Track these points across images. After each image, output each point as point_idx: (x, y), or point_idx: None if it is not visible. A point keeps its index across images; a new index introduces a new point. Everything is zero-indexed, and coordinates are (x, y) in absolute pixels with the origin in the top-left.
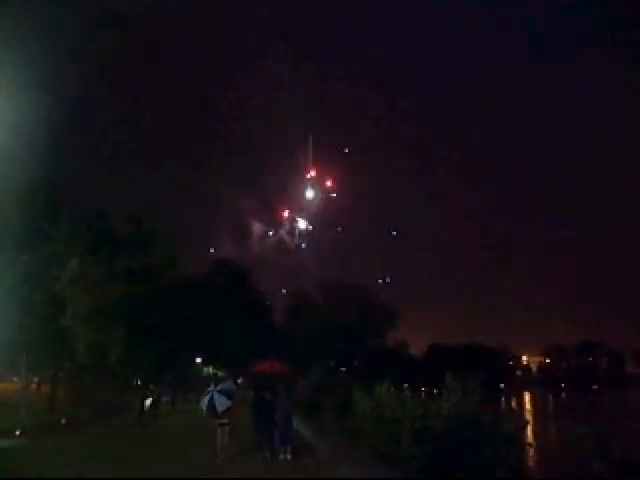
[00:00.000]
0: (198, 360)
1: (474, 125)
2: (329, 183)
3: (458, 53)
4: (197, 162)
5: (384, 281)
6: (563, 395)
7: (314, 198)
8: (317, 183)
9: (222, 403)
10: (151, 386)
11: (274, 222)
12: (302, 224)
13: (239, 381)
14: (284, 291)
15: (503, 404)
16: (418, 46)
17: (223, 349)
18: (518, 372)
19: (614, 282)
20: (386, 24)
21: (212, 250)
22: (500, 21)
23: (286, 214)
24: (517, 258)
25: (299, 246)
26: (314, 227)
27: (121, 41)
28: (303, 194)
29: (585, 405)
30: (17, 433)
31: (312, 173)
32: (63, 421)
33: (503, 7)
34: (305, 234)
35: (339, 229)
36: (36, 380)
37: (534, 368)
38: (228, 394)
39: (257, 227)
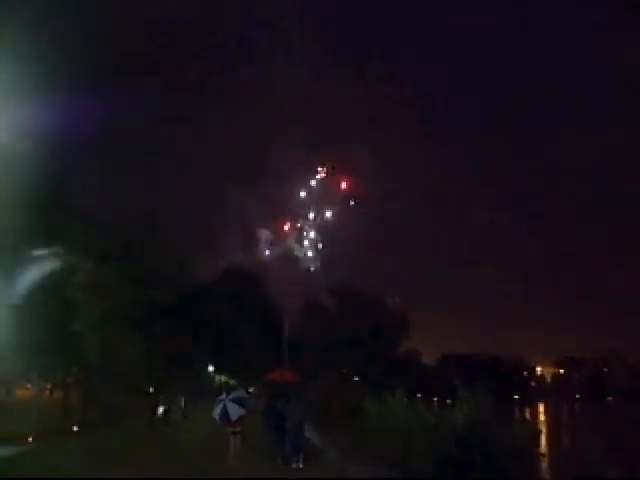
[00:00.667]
0: (210, 369)
1: (474, 125)
2: (344, 185)
3: (458, 53)
4: (196, 162)
5: (394, 301)
6: (577, 406)
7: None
8: (330, 186)
9: (235, 411)
10: (161, 396)
11: (278, 234)
12: (312, 234)
13: (251, 390)
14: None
15: (517, 415)
16: (418, 46)
17: (235, 356)
18: (532, 383)
19: (619, 287)
20: (386, 24)
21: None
22: (500, 21)
23: (287, 227)
24: (527, 265)
25: (309, 258)
26: (323, 239)
27: (122, 41)
28: (315, 198)
29: (598, 416)
30: (29, 440)
31: (322, 174)
32: (75, 428)
33: (503, 7)
34: (315, 245)
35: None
36: (49, 386)
37: (548, 379)
38: (241, 402)
39: (263, 235)
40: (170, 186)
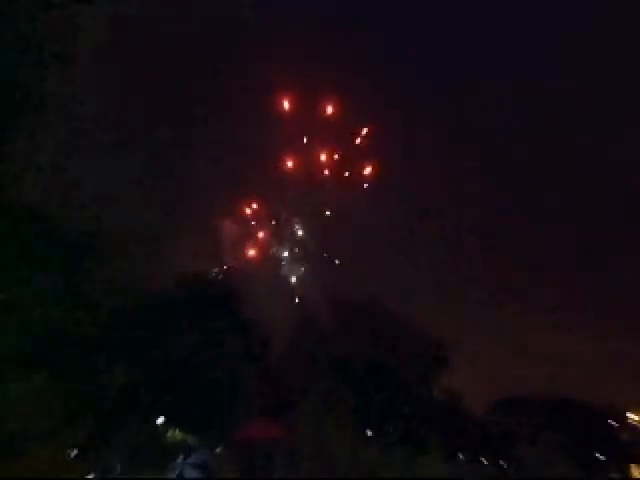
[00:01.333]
0: (160, 420)
1: (475, 125)
2: (368, 170)
3: (458, 53)
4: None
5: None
6: None
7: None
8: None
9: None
10: (89, 461)
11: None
12: (300, 231)
13: (218, 450)
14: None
15: None
16: (419, 46)
17: (197, 401)
18: (624, 435)
19: None
20: (386, 22)
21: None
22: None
23: (251, 209)
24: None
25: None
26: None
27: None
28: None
29: None
30: None
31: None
32: None
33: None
34: (298, 241)
35: None
36: None
37: None
38: (202, 468)
39: (228, 230)
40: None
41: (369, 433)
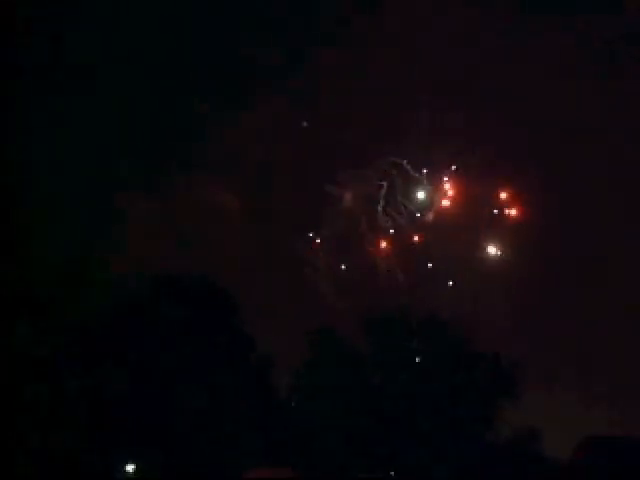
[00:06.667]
0: (129, 469)
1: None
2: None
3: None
4: None
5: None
6: None
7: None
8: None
9: None
10: None
11: None
12: None
13: None
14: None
15: None
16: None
17: (178, 444)
18: None
19: None
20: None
21: None
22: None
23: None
24: None
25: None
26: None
27: None
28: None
29: None
30: None
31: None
32: None
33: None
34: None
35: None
36: None
37: None
38: None
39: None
40: None
41: None
